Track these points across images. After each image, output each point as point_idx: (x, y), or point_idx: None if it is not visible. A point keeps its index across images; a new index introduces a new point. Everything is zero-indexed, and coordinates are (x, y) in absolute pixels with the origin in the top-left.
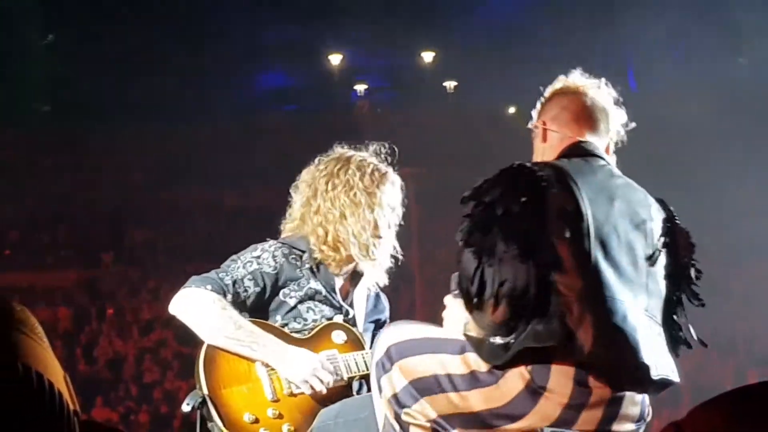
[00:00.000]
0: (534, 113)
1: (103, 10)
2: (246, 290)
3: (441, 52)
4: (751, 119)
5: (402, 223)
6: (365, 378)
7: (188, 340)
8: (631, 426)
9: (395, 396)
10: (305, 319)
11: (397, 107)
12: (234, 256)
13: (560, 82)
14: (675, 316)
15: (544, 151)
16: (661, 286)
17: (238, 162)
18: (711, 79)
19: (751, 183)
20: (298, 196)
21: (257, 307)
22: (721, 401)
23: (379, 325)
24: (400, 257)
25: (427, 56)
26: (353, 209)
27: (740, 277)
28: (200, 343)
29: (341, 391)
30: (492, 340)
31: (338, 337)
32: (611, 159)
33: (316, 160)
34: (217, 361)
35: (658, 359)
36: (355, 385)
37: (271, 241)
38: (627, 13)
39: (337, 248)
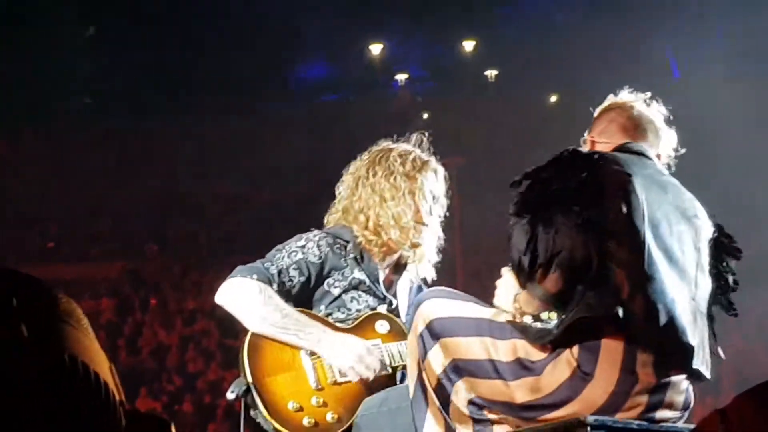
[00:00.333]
0: (585, 134)
1: (141, 2)
2: (291, 280)
3: (482, 41)
4: None
5: (446, 214)
6: None
7: (231, 330)
8: (676, 414)
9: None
10: (349, 309)
11: (437, 97)
12: (279, 246)
13: (608, 100)
14: (711, 325)
15: None
16: (708, 281)
17: (278, 153)
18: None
19: None
20: (343, 187)
21: (301, 297)
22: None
23: None
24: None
25: (468, 45)
26: (393, 193)
27: None
28: (244, 332)
29: (385, 380)
30: (534, 324)
31: (382, 327)
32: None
33: (359, 156)
34: (262, 350)
35: (698, 350)
36: (399, 374)
37: (316, 231)
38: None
39: (377, 233)
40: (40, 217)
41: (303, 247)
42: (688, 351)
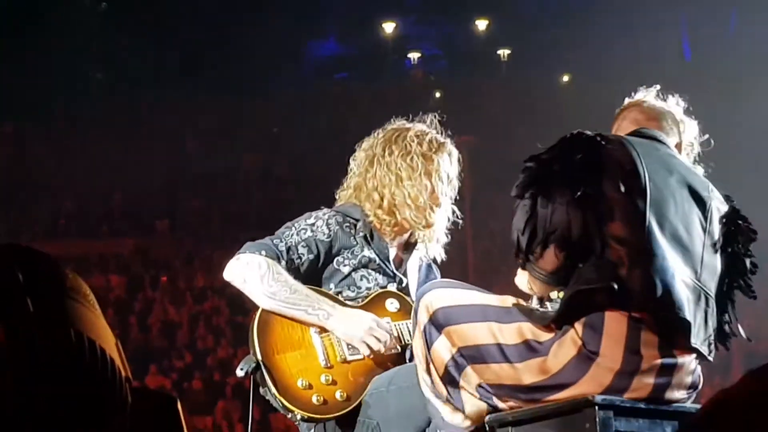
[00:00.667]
0: None
1: None
2: (300, 257)
3: (495, 20)
4: None
5: (457, 196)
6: None
7: (241, 307)
8: (684, 394)
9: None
10: (359, 287)
11: (450, 75)
12: (288, 224)
13: (625, 103)
14: (725, 304)
15: None
16: (717, 262)
17: (290, 130)
18: None
19: None
20: (355, 164)
21: (311, 275)
22: None
23: None
24: (460, 222)
25: (481, 24)
26: (410, 173)
27: None
28: (253, 310)
29: (394, 358)
30: (538, 308)
31: (391, 305)
32: (697, 171)
33: (374, 133)
34: (271, 327)
35: (699, 329)
36: (408, 353)
37: (326, 209)
38: None
39: (392, 213)
40: (52, 193)
41: (312, 225)
42: (686, 327)
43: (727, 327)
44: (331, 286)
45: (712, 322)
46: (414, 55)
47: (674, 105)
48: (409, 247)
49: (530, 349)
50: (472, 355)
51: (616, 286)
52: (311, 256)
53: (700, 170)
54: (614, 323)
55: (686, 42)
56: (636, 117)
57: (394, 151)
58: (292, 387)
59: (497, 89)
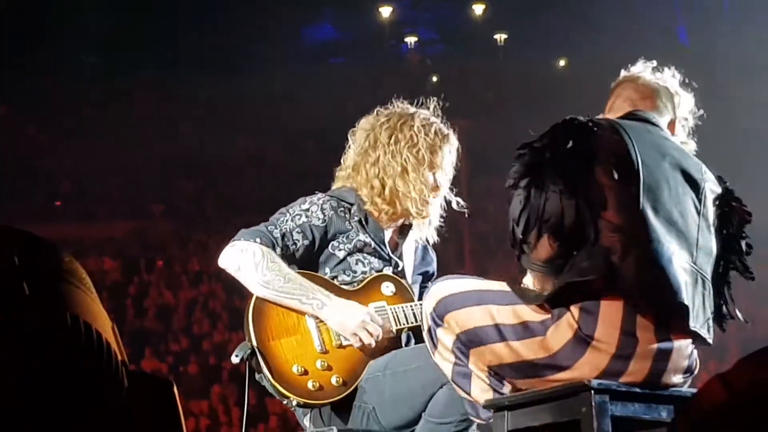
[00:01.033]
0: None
1: None
2: (295, 243)
3: (491, 4)
4: None
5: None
6: (414, 330)
7: (238, 292)
8: (680, 378)
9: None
10: (354, 272)
11: (446, 60)
12: (283, 209)
13: (620, 76)
14: (721, 287)
15: None
16: (712, 245)
17: (285, 114)
18: None
19: None
20: (355, 144)
21: (307, 259)
22: None
23: (427, 277)
24: (459, 204)
25: (478, 8)
26: (416, 165)
27: None
28: (250, 295)
29: (390, 342)
30: (533, 289)
31: (387, 288)
32: (690, 145)
33: (376, 111)
34: (266, 313)
35: (698, 312)
36: (404, 336)
37: (320, 194)
38: None
39: (393, 203)
40: (48, 176)
41: (307, 210)
42: (684, 311)
43: (724, 308)
44: (327, 270)
45: (710, 305)
46: (411, 39)
47: (670, 77)
48: (404, 230)
49: (528, 329)
50: (471, 339)
51: (612, 276)
52: (306, 242)
53: (692, 145)
54: (610, 308)
55: (682, 26)
56: (630, 95)
57: (400, 141)
58: (288, 373)
59: (494, 73)
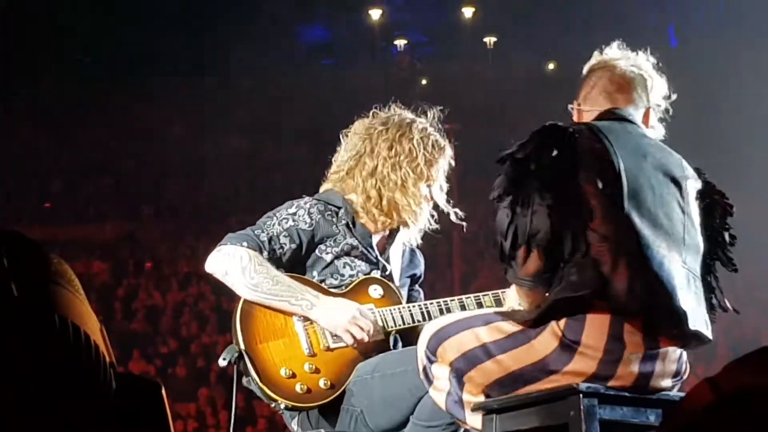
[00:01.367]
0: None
1: None
2: (282, 247)
3: (481, 8)
4: None
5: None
6: (402, 332)
7: (226, 294)
8: (669, 382)
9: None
10: (342, 275)
11: (436, 63)
12: (270, 213)
13: (594, 59)
14: (709, 279)
15: None
16: (699, 241)
17: (276, 115)
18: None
19: None
20: (349, 148)
21: (294, 263)
22: (757, 357)
23: (414, 279)
24: (450, 210)
25: (468, 11)
26: (415, 180)
27: None
28: (238, 298)
29: (378, 345)
30: (520, 308)
31: (375, 291)
32: (658, 130)
33: (372, 114)
34: (254, 316)
35: (695, 312)
36: (392, 339)
37: (307, 198)
38: None
39: (390, 214)
40: (38, 177)
41: (294, 214)
42: (679, 316)
43: (714, 299)
44: (315, 274)
45: (703, 301)
46: (400, 42)
47: (644, 62)
48: (391, 233)
49: (513, 339)
50: (463, 364)
51: (602, 290)
52: (293, 246)
53: (661, 130)
54: (597, 318)
55: (672, 28)
56: (606, 87)
57: (399, 153)
58: (276, 376)
59: (484, 76)
